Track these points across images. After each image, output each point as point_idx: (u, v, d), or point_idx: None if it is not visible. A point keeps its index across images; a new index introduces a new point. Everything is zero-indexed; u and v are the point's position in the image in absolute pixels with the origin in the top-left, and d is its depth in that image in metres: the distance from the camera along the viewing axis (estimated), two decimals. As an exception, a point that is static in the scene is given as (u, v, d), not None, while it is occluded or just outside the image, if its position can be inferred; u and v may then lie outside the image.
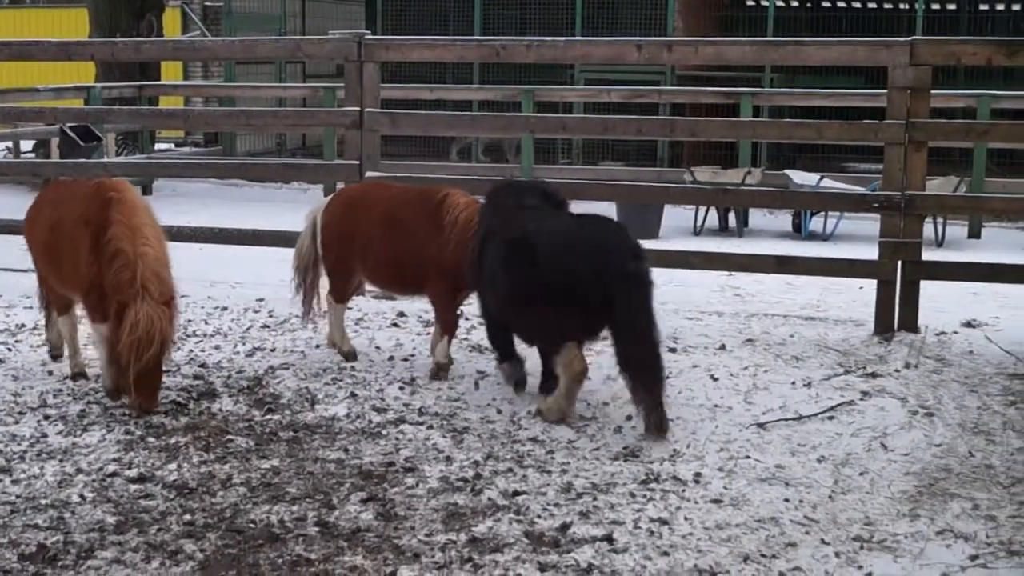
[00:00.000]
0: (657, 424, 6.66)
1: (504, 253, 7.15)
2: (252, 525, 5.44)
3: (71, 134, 16.60)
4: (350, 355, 8.33)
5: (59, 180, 8.57)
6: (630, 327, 6.74)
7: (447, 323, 8.02)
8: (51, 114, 14.01)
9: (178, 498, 5.77)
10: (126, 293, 6.74)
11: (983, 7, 24.63)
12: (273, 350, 8.62)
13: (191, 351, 8.55)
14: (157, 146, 21.95)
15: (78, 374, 7.77)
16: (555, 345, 6.97)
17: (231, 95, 20.99)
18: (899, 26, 22.82)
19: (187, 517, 5.52)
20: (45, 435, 6.67)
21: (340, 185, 10.62)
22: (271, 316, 9.68)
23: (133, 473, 6.07)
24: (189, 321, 9.40)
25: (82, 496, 5.78)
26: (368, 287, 9.12)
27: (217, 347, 8.69)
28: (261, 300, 10.22)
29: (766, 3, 21.61)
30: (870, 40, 9.84)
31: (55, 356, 8.21)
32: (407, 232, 7.98)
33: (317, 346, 8.67)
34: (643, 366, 6.72)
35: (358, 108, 10.25)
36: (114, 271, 6.83)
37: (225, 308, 9.96)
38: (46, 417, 6.99)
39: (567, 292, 6.79)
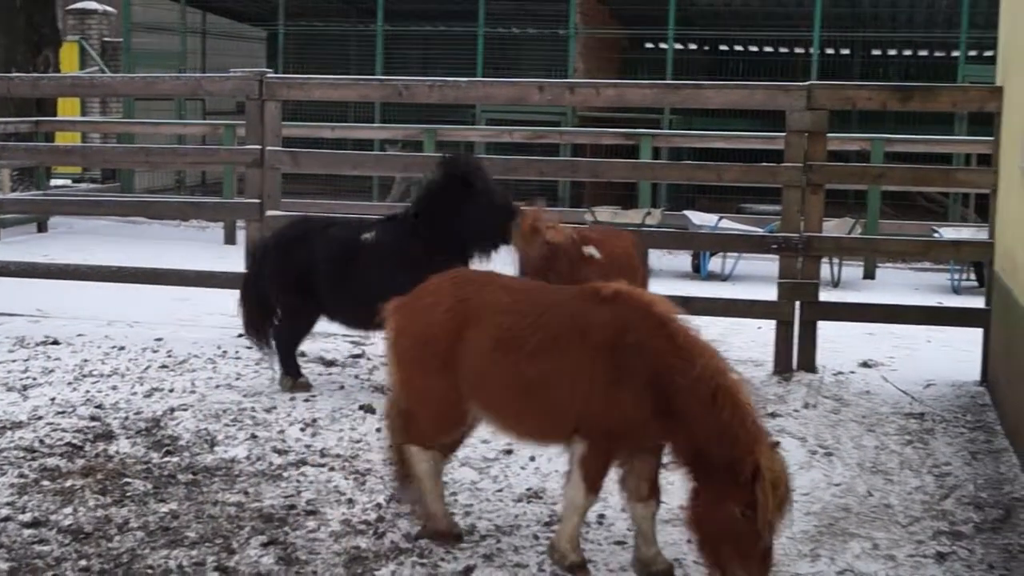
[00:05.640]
0: None
1: None
2: (150, 570, 5.32)
3: (-37, 170, 16.26)
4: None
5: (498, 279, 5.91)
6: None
7: None
8: (-57, 150, 13.71)
9: (73, 543, 5.62)
10: (745, 444, 4.92)
11: (875, 52, 25.26)
12: (172, 391, 8.46)
13: (87, 391, 8.36)
14: (53, 182, 21.55)
15: (576, 566, 5.34)
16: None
17: (130, 131, 20.75)
18: (795, 70, 23.37)
19: (83, 563, 5.38)
20: (-66, 479, 6.48)
21: (240, 223, 10.51)
22: (170, 356, 9.51)
23: (27, 518, 5.90)
24: (86, 361, 9.22)
25: (-27, 542, 5.61)
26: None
27: (114, 387, 8.51)
28: (159, 340, 10.05)
29: (665, 46, 21.94)
30: (768, 84, 10.01)
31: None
32: None
33: (217, 386, 8.54)
34: None
35: (259, 146, 10.19)
36: (716, 415, 4.96)
37: (123, 348, 9.77)
38: (-65, 461, 6.79)
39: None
